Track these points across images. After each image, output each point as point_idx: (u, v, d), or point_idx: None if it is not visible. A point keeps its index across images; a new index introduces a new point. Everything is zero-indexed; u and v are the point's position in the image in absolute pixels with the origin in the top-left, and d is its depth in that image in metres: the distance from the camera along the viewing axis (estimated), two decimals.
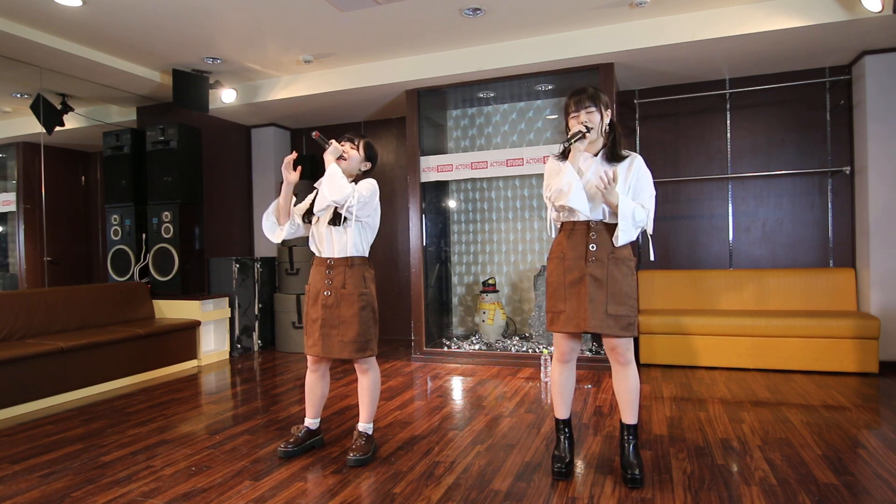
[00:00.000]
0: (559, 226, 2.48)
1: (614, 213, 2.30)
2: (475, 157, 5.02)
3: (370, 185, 2.63)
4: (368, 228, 2.69)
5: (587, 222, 2.36)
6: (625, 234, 2.30)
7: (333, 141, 2.64)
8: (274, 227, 2.74)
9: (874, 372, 4.08)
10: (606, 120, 2.39)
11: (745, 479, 2.37)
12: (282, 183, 2.72)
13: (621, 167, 2.35)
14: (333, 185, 2.51)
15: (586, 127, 2.30)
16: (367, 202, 2.59)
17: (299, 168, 2.70)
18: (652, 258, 2.71)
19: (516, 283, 5.61)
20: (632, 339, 2.38)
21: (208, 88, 5.14)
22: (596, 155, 2.39)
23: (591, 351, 4.68)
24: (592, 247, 2.34)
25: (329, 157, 2.59)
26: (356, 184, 2.63)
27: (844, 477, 2.38)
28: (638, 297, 2.58)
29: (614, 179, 2.26)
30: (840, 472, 2.44)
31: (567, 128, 2.41)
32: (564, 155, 2.39)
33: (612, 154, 2.37)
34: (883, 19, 3.75)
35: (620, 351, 2.36)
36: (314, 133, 2.62)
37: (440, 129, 5.74)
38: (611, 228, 2.35)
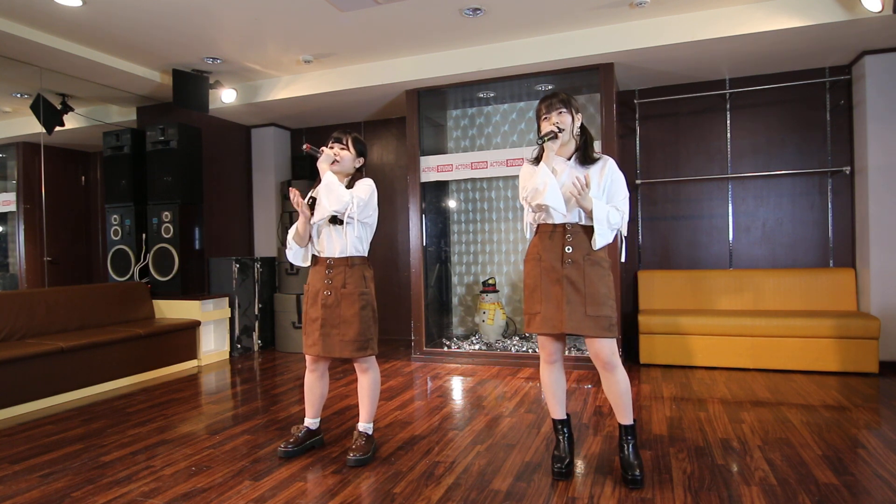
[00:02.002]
0: (535, 228, 2.50)
1: (589, 216, 2.33)
2: (475, 157, 5.02)
3: (368, 187, 2.65)
4: (368, 227, 2.71)
5: (563, 224, 2.39)
6: (601, 238, 2.33)
7: (324, 148, 2.66)
8: (299, 252, 2.74)
9: (874, 372, 4.08)
10: (577, 123, 2.42)
11: (745, 479, 2.37)
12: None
13: (594, 170, 2.38)
14: (332, 195, 2.53)
15: (558, 128, 2.34)
16: (366, 204, 2.62)
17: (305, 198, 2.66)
18: (623, 260, 2.72)
19: (516, 283, 5.60)
20: (615, 342, 2.38)
21: (208, 88, 5.14)
22: (569, 158, 2.43)
23: None
24: (568, 248, 2.36)
25: (323, 165, 2.60)
26: (353, 184, 2.66)
27: (844, 477, 2.38)
28: (616, 297, 2.58)
29: (587, 185, 2.29)
30: (840, 472, 2.44)
31: (539, 131, 2.45)
32: (538, 159, 2.43)
33: (585, 157, 2.41)
34: (883, 19, 3.75)
35: (605, 355, 2.34)
36: (305, 146, 2.64)
37: (440, 129, 5.74)
38: (587, 230, 2.38)
